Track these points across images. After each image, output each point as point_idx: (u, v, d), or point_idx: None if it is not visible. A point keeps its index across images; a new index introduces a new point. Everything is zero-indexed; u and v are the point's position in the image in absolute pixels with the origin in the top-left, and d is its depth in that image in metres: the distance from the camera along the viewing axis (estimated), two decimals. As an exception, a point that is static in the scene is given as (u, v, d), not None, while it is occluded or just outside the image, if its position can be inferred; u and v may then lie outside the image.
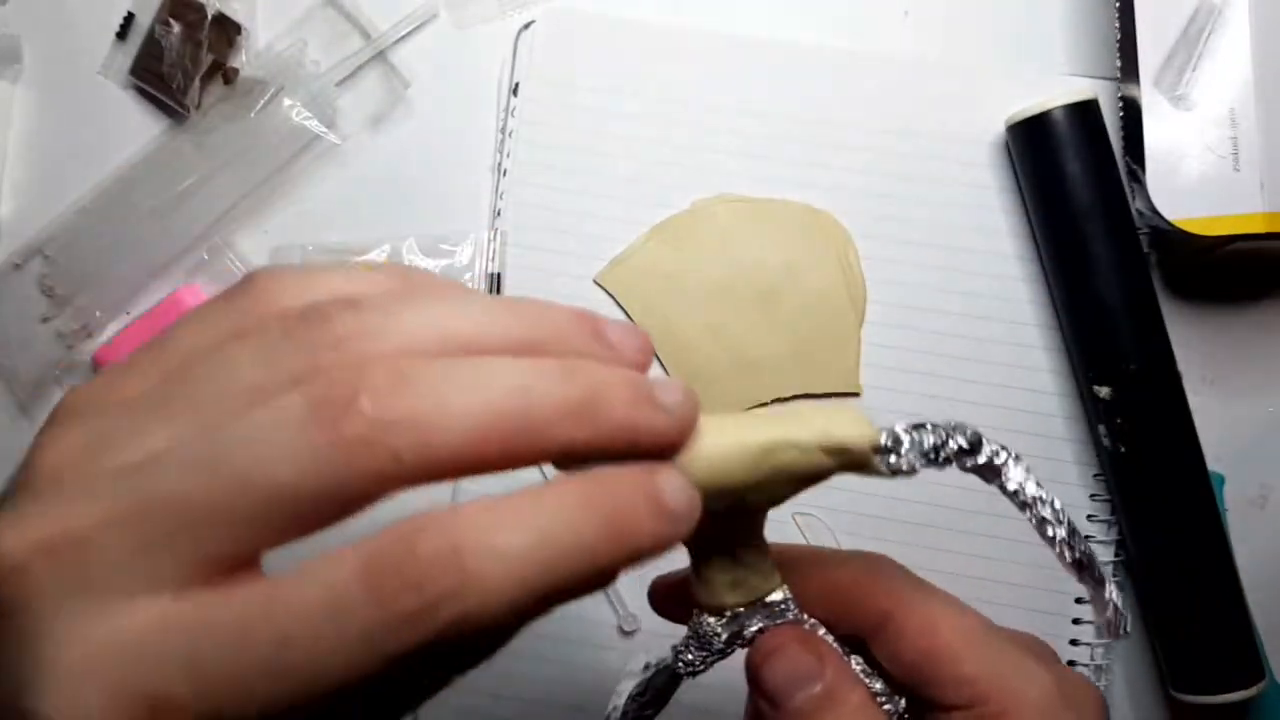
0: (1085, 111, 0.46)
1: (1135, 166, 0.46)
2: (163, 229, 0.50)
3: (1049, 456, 0.47)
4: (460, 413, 0.19)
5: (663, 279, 0.49)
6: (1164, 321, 0.46)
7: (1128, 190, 0.46)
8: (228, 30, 0.50)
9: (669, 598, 0.30)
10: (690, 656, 0.28)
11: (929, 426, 0.25)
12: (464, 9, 0.52)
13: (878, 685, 0.28)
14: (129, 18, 0.52)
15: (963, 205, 0.49)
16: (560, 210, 0.50)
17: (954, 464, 0.25)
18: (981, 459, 0.25)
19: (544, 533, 0.19)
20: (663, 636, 0.48)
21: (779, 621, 0.27)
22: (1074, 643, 0.46)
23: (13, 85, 0.52)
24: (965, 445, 0.25)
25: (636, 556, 0.21)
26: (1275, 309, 0.49)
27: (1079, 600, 0.47)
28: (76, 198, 0.51)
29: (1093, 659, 0.46)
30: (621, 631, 0.47)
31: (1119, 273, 0.45)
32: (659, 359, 0.49)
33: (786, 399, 0.49)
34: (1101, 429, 0.46)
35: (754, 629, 0.27)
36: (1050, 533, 0.26)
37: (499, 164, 0.50)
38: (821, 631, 0.28)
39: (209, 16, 0.50)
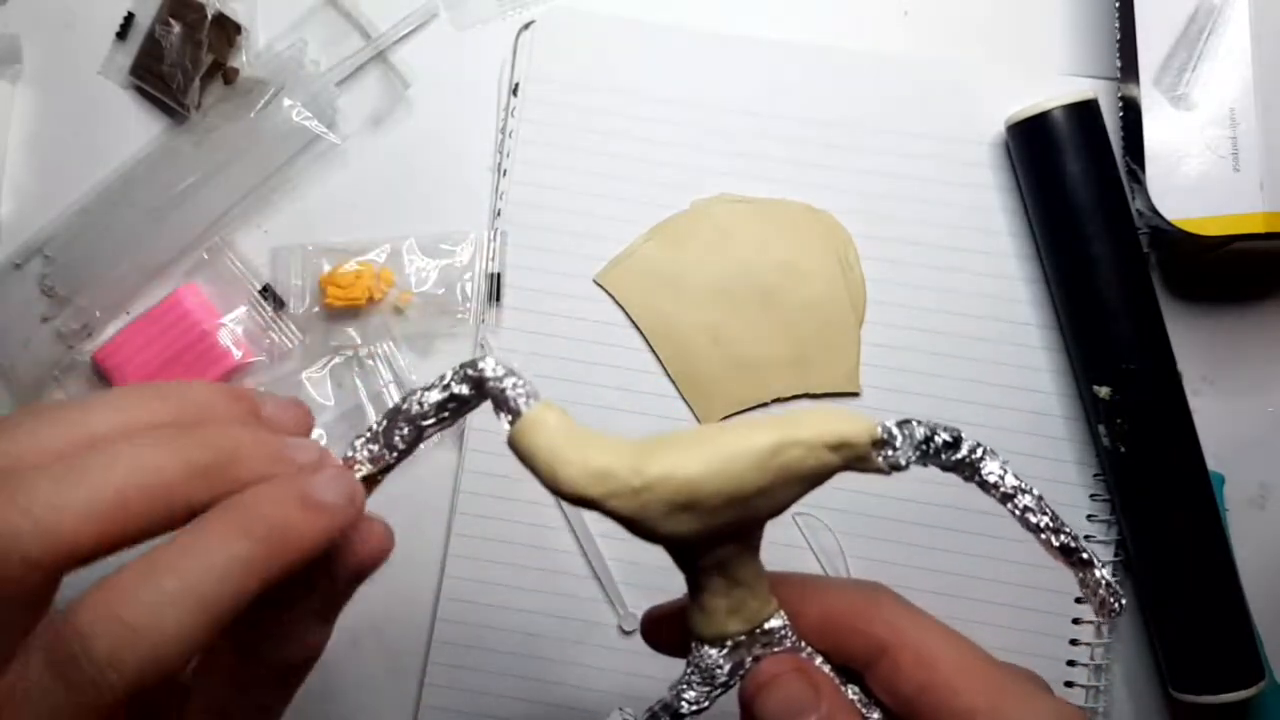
0: (1085, 111, 0.46)
1: (1135, 166, 0.46)
2: (163, 229, 0.50)
3: (1049, 456, 0.47)
4: (82, 498, 0.21)
5: (663, 279, 0.49)
6: (1164, 321, 0.46)
7: (1127, 190, 0.46)
8: (228, 30, 0.50)
9: (662, 629, 0.30)
10: (693, 694, 0.27)
11: (915, 422, 0.26)
12: (464, 9, 0.52)
13: (875, 716, 0.27)
14: (129, 18, 0.52)
15: (962, 205, 0.49)
16: (560, 210, 0.50)
17: (940, 459, 0.26)
18: (962, 453, 0.26)
19: (202, 569, 0.22)
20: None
21: (776, 650, 0.27)
22: (1074, 643, 0.46)
23: (13, 85, 0.52)
24: (949, 439, 0.26)
25: (306, 553, 0.23)
26: (1275, 309, 0.49)
27: (1078, 600, 0.47)
28: (76, 197, 0.51)
29: (1092, 659, 0.46)
30: (622, 631, 0.47)
31: (1119, 273, 0.45)
32: (659, 359, 0.49)
33: (786, 399, 0.49)
34: (1101, 429, 0.46)
35: (754, 658, 0.27)
36: (1034, 521, 0.26)
37: (499, 164, 0.50)
38: (818, 660, 0.28)
39: (209, 16, 0.50)
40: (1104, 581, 0.27)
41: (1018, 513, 0.26)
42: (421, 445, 0.27)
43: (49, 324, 0.50)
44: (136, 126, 0.52)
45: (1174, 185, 0.45)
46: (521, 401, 0.25)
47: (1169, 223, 0.45)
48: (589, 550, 0.47)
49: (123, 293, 0.51)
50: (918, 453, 0.26)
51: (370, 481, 0.27)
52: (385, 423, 0.26)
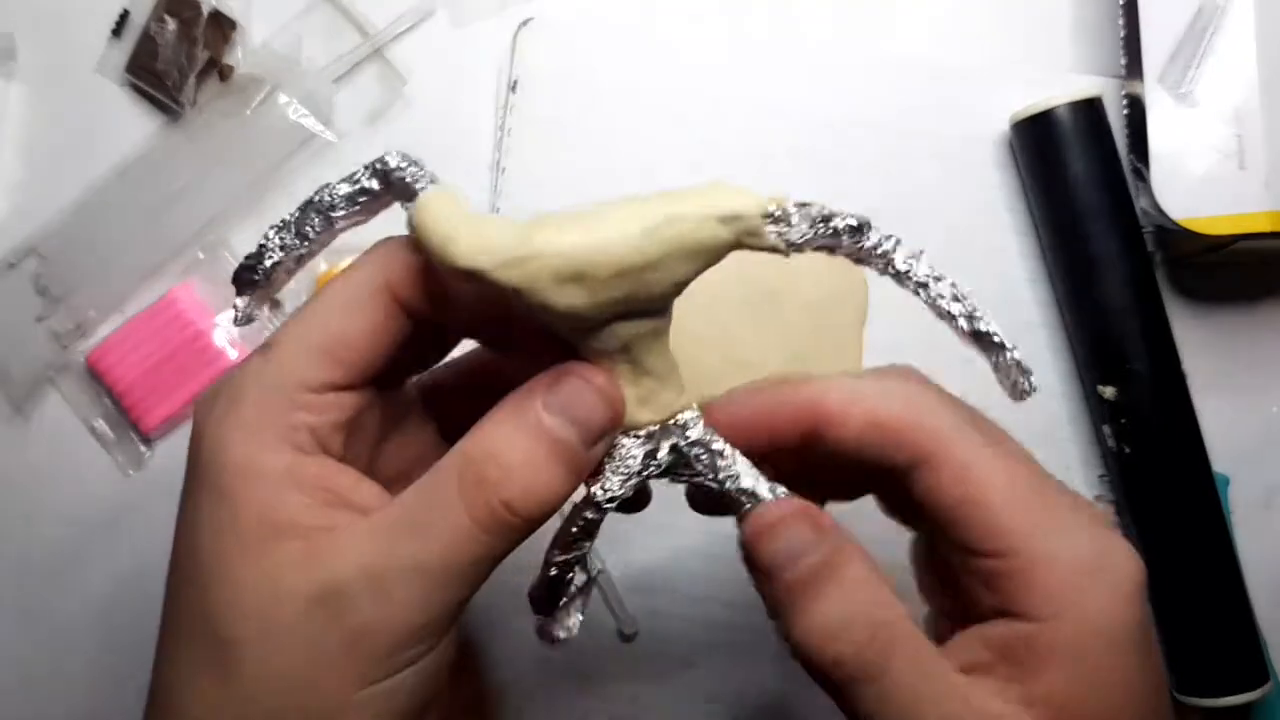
0: (1089, 109, 0.45)
1: (1140, 165, 0.45)
2: (158, 227, 0.50)
3: (1053, 457, 0.47)
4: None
5: (662, 278, 0.49)
6: (1169, 321, 0.45)
7: (1132, 189, 0.46)
8: (223, 27, 0.50)
9: None
10: (613, 483, 0.28)
11: (816, 204, 0.26)
12: (462, 6, 0.51)
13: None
14: (124, 15, 0.51)
15: (966, 204, 0.49)
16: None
17: (842, 241, 0.26)
18: (870, 241, 0.26)
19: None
20: (661, 641, 0.48)
21: (689, 436, 0.27)
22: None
23: (7, 83, 0.52)
24: (853, 224, 0.26)
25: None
26: (1280, 309, 0.49)
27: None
28: (71, 196, 0.50)
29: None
30: (621, 636, 0.47)
31: (1123, 272, 0.45)
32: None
33: (787, 399, 0.48)
34: (1106, 429, 0.45)
35: (670, 447, 0.28)
36: (945, 308, 0.27)
37: (497, 162, 0.50)
38: (738, 456, 0.28)
39: (204, 13, 0.49)
40: (1015, 364, 0.27)
41: (929, 301, 0.27)
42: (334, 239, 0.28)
43: (43, 323, 0.50)
44: (131, 124, 0.51)
45: (1179, 184, 0.44)
46: (419, 186, 0.26)
47: (1174, 221, 0.44)
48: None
49: (117, 292, 0.50)
50: (813, 230, 0.26)
51: (281, 270, 0.28)
52: (298, 214, 0.27)
